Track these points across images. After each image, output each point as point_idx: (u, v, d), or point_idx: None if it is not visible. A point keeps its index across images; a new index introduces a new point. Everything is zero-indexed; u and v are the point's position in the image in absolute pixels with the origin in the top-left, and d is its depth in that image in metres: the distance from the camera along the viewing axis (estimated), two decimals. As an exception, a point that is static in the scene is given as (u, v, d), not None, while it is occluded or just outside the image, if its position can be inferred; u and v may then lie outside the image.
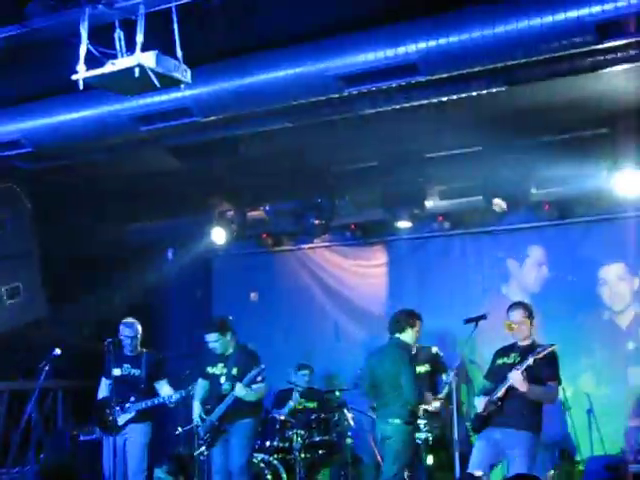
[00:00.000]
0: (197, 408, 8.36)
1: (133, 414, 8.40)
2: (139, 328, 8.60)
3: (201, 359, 8.64)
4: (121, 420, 8.36)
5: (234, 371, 8.17)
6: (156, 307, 11.83)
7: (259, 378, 8.06)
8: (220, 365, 8.26)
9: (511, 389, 7.19)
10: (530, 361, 7.13)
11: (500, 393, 7.26)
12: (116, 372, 8.35)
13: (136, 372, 8.53)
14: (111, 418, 8.27)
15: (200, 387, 8.48)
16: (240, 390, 7.99)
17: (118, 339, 8.24)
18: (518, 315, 7.43)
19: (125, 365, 8.54)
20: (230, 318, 8.58)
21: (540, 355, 7.13)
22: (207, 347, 8.45)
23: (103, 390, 8.79)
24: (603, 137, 8.30)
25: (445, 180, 9.46)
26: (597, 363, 9.45)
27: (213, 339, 8.17)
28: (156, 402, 8.43)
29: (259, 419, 8.65)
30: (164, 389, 8.55)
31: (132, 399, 8.40)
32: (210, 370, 8.33)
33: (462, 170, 9.27)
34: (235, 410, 8.10)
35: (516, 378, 7.13)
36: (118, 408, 8.30)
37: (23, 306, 9.33)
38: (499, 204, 9.13)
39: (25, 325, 9.49)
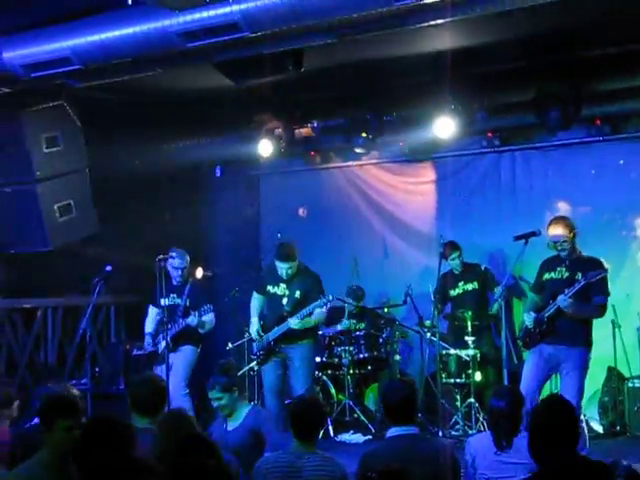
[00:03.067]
0: (255, 323, 8.44)
1: (168, 342, 8.40)
2: (187, 259, 8.69)
3: (262, 276, 8.71)
4: (160, 348, 8.56)
5: (297, 294, 8.21)
6: (204, 225, 11.92)
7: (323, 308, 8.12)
8: (282, 286, 8.30)
9: (560, 310, 7.22)
10: (579, 286, 7.12)
11: (549, 313, 7.29)
12: (164, 302, 8.40)
13: (179, 301, 8.65)
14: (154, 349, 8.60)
15: (256, 301, 8.56)
16: (296, 324, 8.06)
17: (166, 259, 8.29)
18: (559, 233, 7.36)
19: (172, 295, 8.65)
20: (279, 236, 8.63)
21: (592, 281, 7.11)
22: (269, 266, 8.51)
23: (150, 319, 8.99)
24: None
25: (494, 96, 9.30)
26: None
27: (286, 266, 8.17)
28: (178, 327, 8.49)
29: (317, 341, 8.75)
30: (209, 315, 8.59)
31: (170, 327, 8.48)
32: (271, 289, 8.36)
33: (512, 86, 9.15)
34: (294, 332, 8.18)
35: (564, 304, 7.14)
36: (161, 337, 8.54)
37: (75, 223, 9.42)
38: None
39: (77, 242, 9.60)
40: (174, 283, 8.71)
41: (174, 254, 8.58)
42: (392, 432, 4.88)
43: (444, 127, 9.23)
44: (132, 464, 3.67)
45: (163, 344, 8.44)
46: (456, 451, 4.99)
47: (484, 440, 5.33)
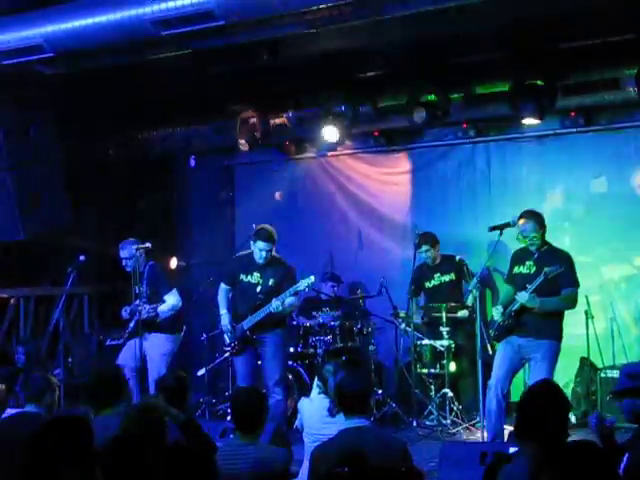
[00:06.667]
0: (226, 316, 8.41)
1: (132, 326, 8.54)
2: (136, 248, 8.51)
3: (232, 267, 8.65)
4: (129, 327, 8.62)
5: (271, 282, 8.20)
6: (179, 215, 11.87)
7: (294, 292, 8.11)
8: (256, 274, 8.27)
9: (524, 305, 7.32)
10: (538, 282, 7.21)
11: (514, 308, 7.42)
12: (135, 290, 8.50)
13: (141, 288, 8.56)
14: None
15: (224, 293, 8.52)
16: (276, 306, 8.02)
17: (144, 246, 8.27)
18: (529, 229, 7.45)
19: (136, 286, 8.61)
20: (254, 227, 8.60)
21: (550, 277, 7.20)
22: (243, 255, 8.47)
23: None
24: (632, 43, 8.13)
25: (471, 87, 9.30)
26: (624, 271, 9.39)
27: (267, 248, 8.15)
28: (144, 314, 8.45)
29: (287, 328, 8.75)
30: (170, 299, 8.59)
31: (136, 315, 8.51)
32: (244, 278, 8.34)
33: (487, 77, 9.15)
34: (268, 320, 8.16)
35: (525, 300, 7.25)
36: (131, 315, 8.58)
37: (47, 212, 9.36)
38: (529, 120, 8.94)
39: (50, 231, 9.53)
40: (130, 271, 8.64)
41: (120, 245, 8.63)
42: (344, 425, 4.85)
43: (420, 117, 9.20)
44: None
45: (133, 322, 8.53)
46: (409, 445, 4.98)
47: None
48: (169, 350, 8.64)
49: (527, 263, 7.56)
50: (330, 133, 9.76)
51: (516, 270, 7.66)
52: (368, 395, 5.03)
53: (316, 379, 6.55)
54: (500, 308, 7.58)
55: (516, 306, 7.42)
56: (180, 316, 8.78)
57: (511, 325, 7.49)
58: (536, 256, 7.50)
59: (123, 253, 8.65)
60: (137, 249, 8.39)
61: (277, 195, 11.33)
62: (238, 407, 5.09)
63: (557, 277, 7.30)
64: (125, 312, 8.74)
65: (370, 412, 5.09)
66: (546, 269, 7.22)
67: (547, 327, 7.41)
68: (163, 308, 8.53)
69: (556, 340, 7.44)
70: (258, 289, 8.24)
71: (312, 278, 8.09)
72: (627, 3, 7.16)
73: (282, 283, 8.13)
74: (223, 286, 8.55)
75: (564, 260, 7.42)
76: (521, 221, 7.50)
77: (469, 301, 9.00)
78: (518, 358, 7.55)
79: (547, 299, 7.34)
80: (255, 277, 8.27)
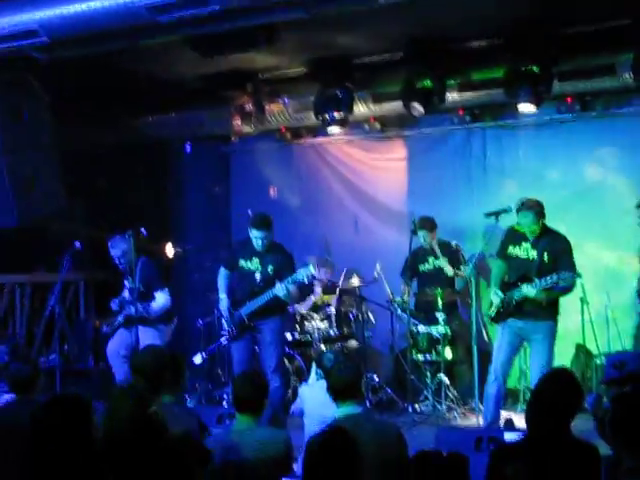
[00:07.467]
0: (225, 300, 8.38)
1: (121, 320, 8.61)
2: (125, 245, 8.45)
3: (232, 251, 8.65)
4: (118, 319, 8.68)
5: (270, 269, 8.17)
6: (174, 201, 11.84)
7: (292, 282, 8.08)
8: (255, 260, 8.23)
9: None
10: (550, 282, 7.31)
11: (517, 297, 7.47)
12: (126, 283, 8.58)
13: (133, 285, 8.51)
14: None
15: (224, 278, 8.50)
16: (281, 289, 7.99)
17: (138, 232, 8.24)
18: (527, 222, 7.46)
19: (129, 278, 8.58)
20: (249, 213, 8.59)
21: (561, 279, 7.31)
22: (243, 241, 8.46)
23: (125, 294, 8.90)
24: (628, 28, 8.11)
25: (466, 73, 9.28)
26: (619, 258, 9.40)
27: (262, 235, 8.12)
28: (134, 312, 8.42)
29: (287, 315, 8.75)
30: (160, 298, 8.58)
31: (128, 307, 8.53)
32: (244, 264, 8.31)
33: (483, 63, 9.13)
34: (266, 307, 8.15)
35: (533, 295, 7.37)
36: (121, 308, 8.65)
37: (41, 199, 9.29)
38: (526, 106, 8.91)
39: (45, 217, 9.49)
40: (123, 268, 8.66)
41: (109, 244, 8.60)
42: (337, 412, 4.92)
43: (418, 111, 9.19)
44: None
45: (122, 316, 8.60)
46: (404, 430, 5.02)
47: None
48: (161, 341, 8.61)
49: (524, 245, 7.59)
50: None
51: (511, 250, 7.69)
52: (358, 382, 5.08)
53: (314, 366, 6.56)
54: (500, 293, 7.61)
55: (519, 296, 7.45)
56: (169, 308, 8.76)
57: (511, 310, 7.56)
58: (533, 239, 7.53)
59: (114, 252, 8.59)
60: (129, 237, 8.27)
61: (271, 191, 11.28)
62: (240, 389, 5.07)
63: (556, 260, 7.36)
64: (114, 304, 8.74)
65: (362, 398, 5.12)
66: (562, 274, 7.27)
67: (546, 309, 7.54)
68: (154, 307, 8.52)
69: (554, 321, 7.62)
70: (257, 276, 8.21)
71: (311, 268, 8.06)
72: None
73: (281, 271, 8.11)
74: (223, 270, 8.53)
75: (563, 245, 7.48)
76: (519, 213, 7.51)
77: (460, 287, 9.11)
78: (518, 341, 7.72)
79: (551, 292, 7.43)
80: (254, 263, 8.24)
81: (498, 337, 7.75)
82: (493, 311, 7.69)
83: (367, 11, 7.15)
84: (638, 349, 8.98)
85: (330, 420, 4.88)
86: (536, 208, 7.49)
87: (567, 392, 4.04)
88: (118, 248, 8.55)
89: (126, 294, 8.72)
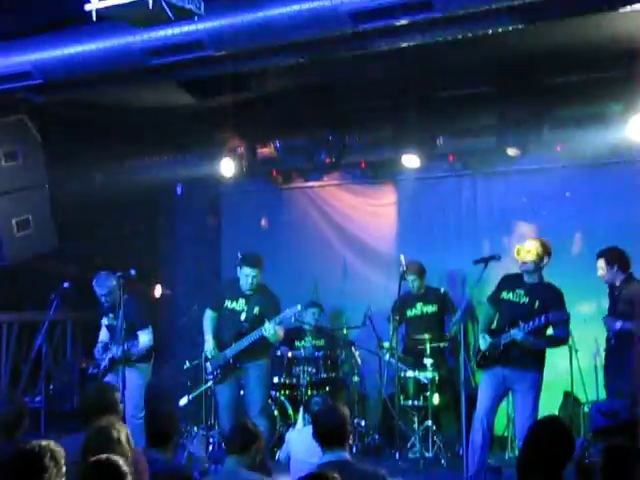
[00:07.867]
0: (211, 342, 8.35)
1: (107, 363, 8.44)
2: (111, 282, 8.34)
3: (219, 292, 8.64)
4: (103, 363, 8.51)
5: (256, 310, 8.16)
6: (164, 243, 11.85)
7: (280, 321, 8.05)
8: (242, 301, 8.24)
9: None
10: (538, 324, 7.27)
11: (505, 342, 7.43)
12: (104, 321, 8.52)
13: (115, 322, 8.42)
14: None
15: (210, 319, 8.48)
16: (269, 329, 7.96)
17: (128, 274, 8.18)
18: (532, 246, 7.46)
19: (110, 315, 8.53)
20: (239, 255, 8.59)
21: (552, 320, 7.28)
22: (229, 281, 8.44)
23: (102, 334, 8.81)
24: (619, 79, 8.19)
25: (456, 120, 9.36)
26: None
27: (253, 274, 8.12)
28: (115, 353, 8.31)
29: (271, 359, 8.72)
30: (143, 337, 8.40)
31: (110, 349, 8.43)
32: (229, 305, 8.30)
33: (474, 111, 9.20)
34: (252, 349, 8.12)
35: (520, 339, 7.31)
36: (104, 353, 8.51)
37: (33, 238, 9.29)
38: (513, 150, 8.98)
39: (34, 257, 9.48)
40: (107, 305, 8.53)
41: (94, 281, 8.46)
42: (323, 459, 4.90)
43: (411, 160, 9.27)
44: None
45: (107, 359, 8.46)
46: (389, 477, 4.97)
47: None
48: (143, 381, 8.55)
49: (517, 291, 7.58)
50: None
51: (504, 295, 7.67)
52: (344, 427, 5.05)
53: (301, 411, 6.53)
54: (487, 338, 7.59)
55: (507, 340, 7.42)
56: (151, 347, 8.67)
57: (497, 356, 7.51)
58: (528, 285, 7.53)
59: (99, 290, 8.43)
60: (118, 278, 8.11)
61: (263, 222, 11.34)
62: (234, 432, 5.18)
63: (547, 308, 7.33)
64: (97, 352, 8.65)
65: (348, 444, 5.10)
66: (553, 313, 7.25)
67: (532, 358, 7.46)
68: (137, 346, 8.36)
69: (540, 372, 7.51)
70: (242, 316, 8.22)
71: (298, 307, 8.07)
72: (612, 42, 7.25)
73: (267, 312, 8.11)
74: (209, 312, 8.53)
75: (559, 296, 7.48)
76: (530, 241, 7.56)
77: (453, 332, 9.06)
78: (503, 388, 7.60)
79: (539, 340, 7.40)
80: (240, 304, 8.25)
81: (482, 384, 7.66)
82: (480, 356, 7.68)
83: (356, 58, 7.23)
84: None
85: (315, 467, 4.86)
86: (544, 242, 7.52)
87: (559, 441, 4.03)
88: (104, 286, 8.43)
89: (103, 332, 8.66)
